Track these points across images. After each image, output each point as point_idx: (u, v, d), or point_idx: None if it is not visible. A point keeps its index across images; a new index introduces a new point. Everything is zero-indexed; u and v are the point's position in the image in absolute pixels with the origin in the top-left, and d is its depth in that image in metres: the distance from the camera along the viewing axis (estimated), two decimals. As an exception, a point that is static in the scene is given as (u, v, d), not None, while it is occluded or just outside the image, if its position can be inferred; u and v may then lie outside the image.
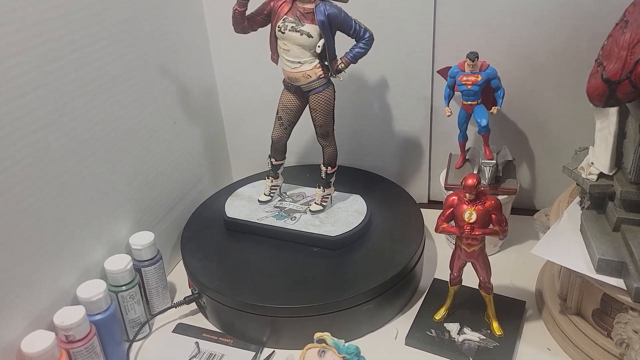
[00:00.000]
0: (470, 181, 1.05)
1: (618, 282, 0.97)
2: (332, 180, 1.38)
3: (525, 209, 1.60)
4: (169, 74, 1.40)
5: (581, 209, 1.15)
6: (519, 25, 1.36)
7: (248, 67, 1.58)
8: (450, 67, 1.35)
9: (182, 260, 1.35)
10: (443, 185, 1.42)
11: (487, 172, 1.33)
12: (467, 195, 1.06)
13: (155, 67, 1.35)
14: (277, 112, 1.32)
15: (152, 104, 1.36)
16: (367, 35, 1.20)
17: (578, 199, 1.20)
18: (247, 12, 1.20)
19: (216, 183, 1.67)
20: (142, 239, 1.25)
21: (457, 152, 1.48)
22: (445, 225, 1.11)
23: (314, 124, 1.29)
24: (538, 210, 1.57)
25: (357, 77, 1.53)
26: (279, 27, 1.18)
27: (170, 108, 1.44)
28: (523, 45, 1.38)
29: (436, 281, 1.35)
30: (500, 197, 1.36)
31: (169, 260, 1.45)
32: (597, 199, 1.09)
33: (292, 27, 1.17)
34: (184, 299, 1.29)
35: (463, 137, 1.42)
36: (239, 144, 1.75)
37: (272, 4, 1.20)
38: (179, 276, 1.43)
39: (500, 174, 1.37)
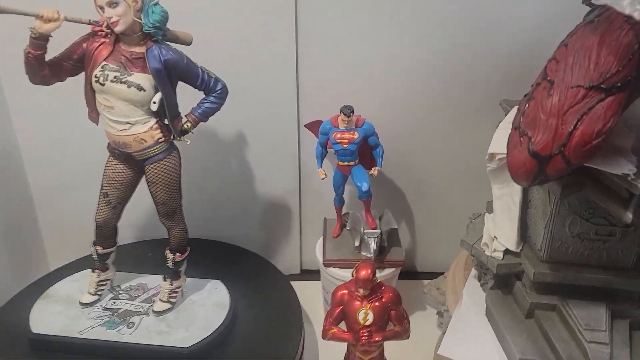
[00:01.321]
0: (364, 273, 0.82)
1: (543, 385, 0.81)
2: (183, 269, 1.06)
3: (408, 271, 1.44)
4: None
5: (482, 287, 0.99)
6: (392, 74, 1.19)
7: (60, 124, 1.21)
8: (321, 121, 1.14)
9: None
10: (321, 260, 1.19)
11: (372, 244, 1.13)
12: (361, 290, 0.84)
13: None
14: (102, 186, 0.98)
15: None
16: (219, 87, 0.93)
17: (474, 271, 1.04)
18: (50, 56, 0.86)
19: (24, 277, 1.24)
20: None
21: (332, 217, 1.27)
22: (335, 330, 0.86)
23: (154, 201, 0.97)
24: (421, 273, 1.43)
25: (207, 132, 1.25)
26: (96, 77, 0.86)
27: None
28: (397, 95, 1.22)
29: (321, 381, 1.10)
30: (386, 271, 1.17)
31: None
32: (502, 277, 0.94)
33: (115, 77, 0.85)
34: None
35: (340, 201, 1.21)
36: (54, 223, 1.34)
37: (85, 45, 0.87)
38: None
39: (385, 244, 1.18)
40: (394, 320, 0.86)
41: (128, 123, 0.88)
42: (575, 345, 0.80)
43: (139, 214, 1.30)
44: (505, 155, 0.83)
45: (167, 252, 1.04)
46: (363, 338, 0.83)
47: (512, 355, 0.83)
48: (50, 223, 1.34)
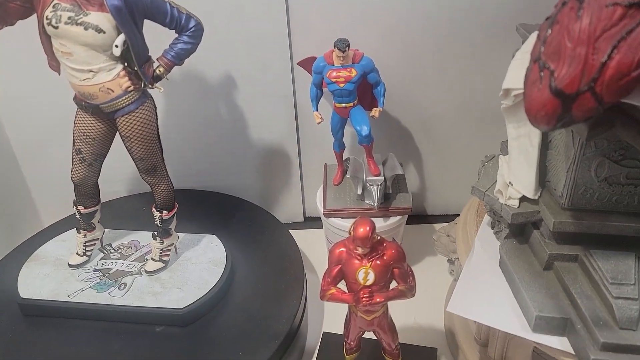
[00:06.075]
0: (361, 230, 0.73)
1: (562, 343, 0.74)
2: (172, 226, 0.99)
3: (417, 215, 1.36)
4: None
5: (495, 236, 0.91)
6: (392, 1, 1.06)
7: (30, 75, 1.10)
8: (315, 57, 1.02)
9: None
10: (321, 211, 1.11)
11: (376, 192, 1.04)
12: (360, 249, 0.76)
13: None
14: (74, 142, 0.89)
15: None
16: (192, 24, 0.81)
17: (487, 218, 0.96)
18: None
19: (18, 236, 1.19)
20: None
21: (333, 162, 1.18)
22: (333, 290, 0.79)
23: (131, 157, 0.89)
24: (432, 216, 1.36)
25: (194, 77, 1.14)
26: (47, 18, 0.75)
27: None
28: (398, 26, 1.09)
29: (327, 335, 1.05)
30: (392, 219, 1.09)
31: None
32: (517, 226, 0.85)
33: (69, 18, 0.75)
34: None
35: (339, 146, 1.11)
36: (41, 179, 1.27)
37: (31, -20, 0.76)
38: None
39: (390, 191, 1.09)
40: (397, 279, 0.78)
41: (90, 71, 0.78)
42: (599, 302, 0.72)
43: (130, 166, 1.22)
44: (522, 91, 0.72)
45: (154, 210, 0.96)
46: (364, 299, 0.76)
47: (528, 312, 0.76)
48: (37, 179, 1.28)
